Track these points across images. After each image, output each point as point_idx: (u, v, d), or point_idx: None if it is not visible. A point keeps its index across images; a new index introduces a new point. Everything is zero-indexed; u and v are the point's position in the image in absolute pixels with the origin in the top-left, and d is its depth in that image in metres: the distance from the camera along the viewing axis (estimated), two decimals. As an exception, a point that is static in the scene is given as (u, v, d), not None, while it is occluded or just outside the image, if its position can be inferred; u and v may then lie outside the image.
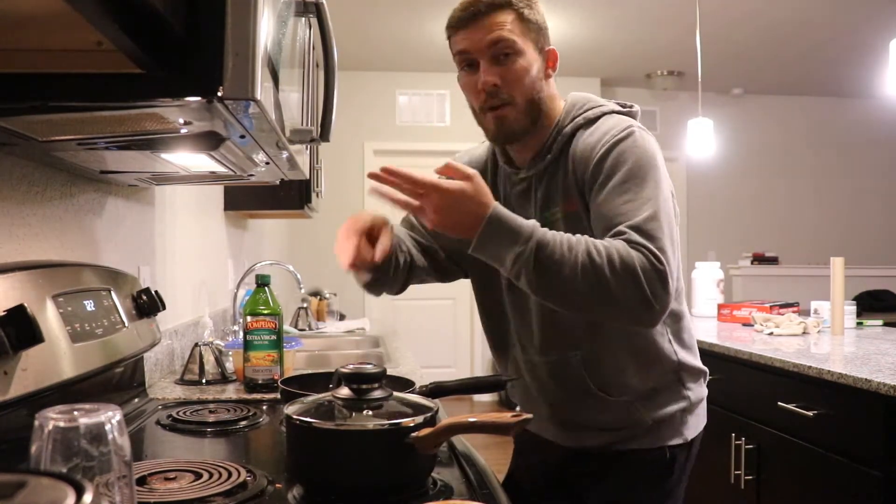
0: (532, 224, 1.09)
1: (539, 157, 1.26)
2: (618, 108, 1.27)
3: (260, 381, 1.67)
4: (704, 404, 1.36)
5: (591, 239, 1.08)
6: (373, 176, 1.08)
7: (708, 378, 1.38)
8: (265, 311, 1.67)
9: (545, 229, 1.09)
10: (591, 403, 1.27)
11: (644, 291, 1.04)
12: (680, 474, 1.31)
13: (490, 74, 1.19)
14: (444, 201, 1.06)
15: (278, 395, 1.59)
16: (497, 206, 1.09)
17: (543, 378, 1.31)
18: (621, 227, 1.09)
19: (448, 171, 1.08)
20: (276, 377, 1.66)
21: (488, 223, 1.07)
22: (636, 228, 1.08)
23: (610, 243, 1.07)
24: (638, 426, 1.27)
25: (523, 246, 1.06)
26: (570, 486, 1.34)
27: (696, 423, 1.32)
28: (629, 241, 1.07)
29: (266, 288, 1.70)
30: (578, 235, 1.09)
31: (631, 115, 1.27)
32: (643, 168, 1.14)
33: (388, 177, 1.07)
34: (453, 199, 1.06)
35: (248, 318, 1.67)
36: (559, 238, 1.08)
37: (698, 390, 1.33)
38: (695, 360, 1.33)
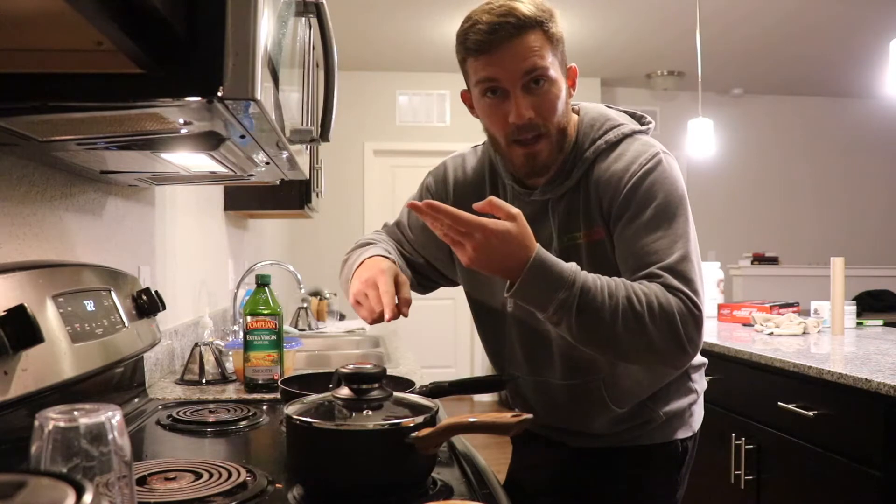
0: (573, 268, 1.04)
1: (556, 180, 1.19)
2: (636, 126, 1.22)
3: (260, 381, 1.67)
4: (703, 399, 1.41)
5: (630, 284, 1.06)
6: (413, 207, 1.02)
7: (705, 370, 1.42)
8: (265, 312, 1.67)
9: (585, 273, 1.05)
10: (605, 414, 1.26)
11: (681, 338, 1.04)
12: (689, 463, 1.35)
13: (526, 108, 1.10)
14: (486, 241, 0.99)
15: (278, 395, 1.59)
16: (540, 250, 1.03)
17: (559, 399, 1.28)
18: (655, 270, 1.08)
19: (492, 208, 1.02)
20: (276, 377, 1.66)
21: (531, 267, 1.01)
22: (671, 270, 1.07)
23: (648, 289, 1.06)
24: (650, 423, 1.28)
25: (567, 292, 1.02)
26: (576, 484, 1.33)
27: (700, 414, 1.37)
28: (666, 286, 1.06)
29: (266, 288, 1.70)
30: (616, 280, 1.07)
31: (648, 132, 1.24)
32: (673, 203, 1.12)
33: (430, 212, 1.00)
34: (497, 241, 1.00)
35: (249, 318, 1.67)
36: (600, 283, 1.05)
37: (702, 382, 1.37)
38: (701, 358, 1.36)
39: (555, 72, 1.12)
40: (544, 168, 1.17)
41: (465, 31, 1.11)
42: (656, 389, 1.27)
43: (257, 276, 1.72)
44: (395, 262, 1.23)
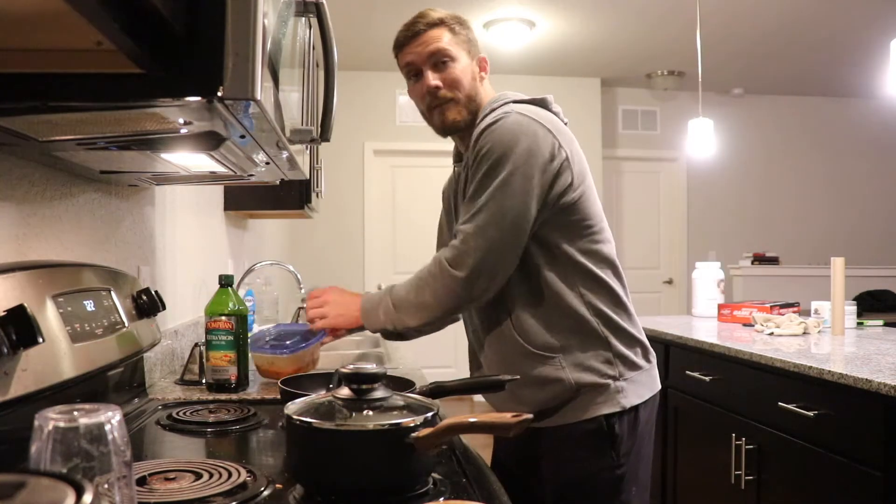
0: (384, 290, 1.44)
1: (467, 150, 1.45)
2: (519, 97, 1.45)
3: (214, 381, 1.66)
4: (649, 375, 1.46)
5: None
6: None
7: (650, 352, 1.48)
8: (224, 312, 1.66)
9: (394, 286, 1.43)
10: (525, 361, 1.40)
11: (445, 274, 1.34)
12: (629, 442, 1.39)
13: (433, 79, 1.43)
14: (334, 304, 1.50)
15: (233, 396, 1.63)
16: (368, 293, 1.49)
17: (485, 342, 1.49)
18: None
19: (311, 297, 1.55)
20: (233, 378, 1.66)
21: (363, 303, 1.46)
22: (458, 226, 1.36)
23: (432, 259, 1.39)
24: (565, 389, 1.37)
25: (385, 304, 1.42)
26: (533, 466, 1.44)
27: (636, 392, 1.41)
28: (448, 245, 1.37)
29: (229, 288, 1.69)
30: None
31: (535, 103, 1.43)
32: (492, 156, 1.33)
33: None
34: (333, 296, 1.52)
35: (207, 318, 1.66)
36: (402, 285, 1.41)
37: (633, 361, 1.42)
38: (629, 332, 1.43)
39: (458, 55, 1.44)
40: (455, 125, 1.46)
41: (396, 35, 1.47)
42: (569, 346, 1.38)
43: (220, 276, 1.70)
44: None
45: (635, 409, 1.40)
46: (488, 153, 1.34)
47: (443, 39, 1.42)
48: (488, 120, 1.37)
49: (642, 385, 1.43)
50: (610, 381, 1.38)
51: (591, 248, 1.41)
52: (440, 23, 1.43)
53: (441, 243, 1.64)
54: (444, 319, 1.45)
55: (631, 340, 1.43)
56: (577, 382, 1.37)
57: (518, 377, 1.34)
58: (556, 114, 1.45)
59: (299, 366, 1.74)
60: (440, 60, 1.43)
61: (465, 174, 1.44)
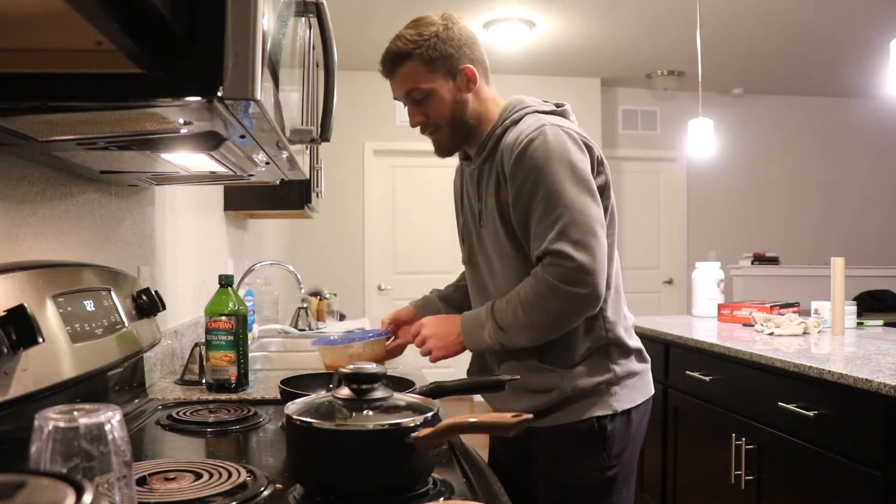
0: (486, 307, 1.41)
1: (481, 153, 1.47)
2: (540, 107, 1.45)
3: (214, 381, 1.67)
4: (642, 379, 1.47)
5: (522, 285, 1.36)
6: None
7: (644, 355, 1.49)
8: (224, 312, 1.66)
9: (495, 303, 1.39)
10: (528, 373, 1.41)
11: (568, 290, 1.29)
12: (621, 444, 1.41)
13: (414, 116, 1.46)
14: (435, 337, 1.48)
15: (233, 396, 1.63)
16: (464, 314, 1.46)
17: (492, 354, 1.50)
18: (539, 256, 1.33)
19: (410, 334, 1.55)
20: (233, 378, 1.66)
21: (463, 323, 1.44)
22: (547, 253, 1.32)
23: (526, 281, 1.35)
24: (561, 394, 1.38)
25: (489, 321, 1.39)
26: (528, 465, 1.45)
27: (629, 396, 1.43)
28: (540, 264, 1.33)
29: (229, 288, 1.69)
30: (516, 290, 1.36)
31: (557, 113, 1.44)
32: (548, 169, 1.32)
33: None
34: (437, 324, 1.49)
35: (207, 318, 1.66)
36: (504, 302, 1.37)
37: (628, 365, 1.43)
38: (624, 336, 1.44)
39: (434, 85, 1.42)
40: (449, 149, 1.51)
41: None
42: (573, 359, 1.39)
43: (220, 276, 1.71)
44: (433, 298, 1.68)
45: (627, 412, 1.41)
46: (544, 170, 1.32)
47: (413, 76, 1.41)
48: (526, 135, 1.35)
49: (636, 390, 1.45)
50: (604, 387, 1.40)
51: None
52: (407, 56, 1.40)
53: (464, 240, 1.60)
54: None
55: (627, 347, 1.44)
56: (572, 389, 1.38)
57: (518, 377, 1.34)
58: (573, 122, 1.46)
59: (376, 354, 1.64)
60: (416, 98, 1.43)
61: (482, 171, 1.46)
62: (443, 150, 1.51)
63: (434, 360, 1.49)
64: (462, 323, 1.43)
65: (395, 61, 1.41)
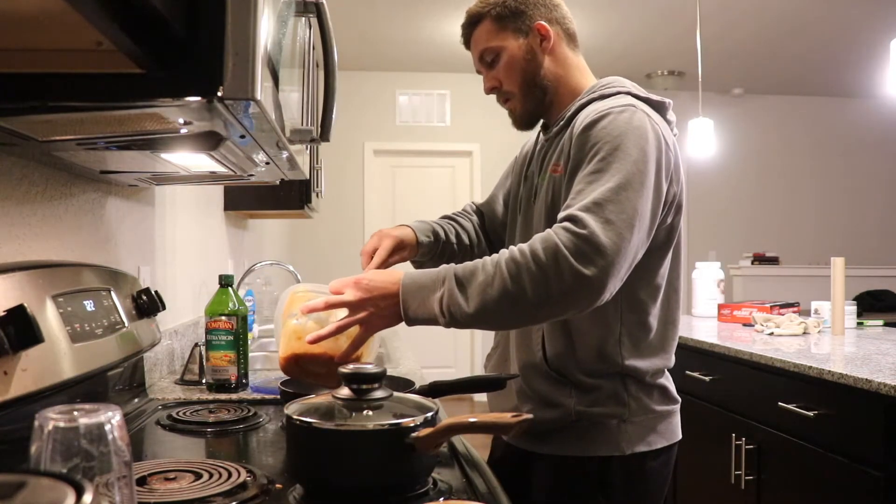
0: (444, 267, 1.10)
1: (554, 123, 1.34)
2: (640, 93, 1.27)
3: (215, 381, 1.67)
4: (666, 421, 1.26)
5: (514, 246, 1.08)
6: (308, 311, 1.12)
7: (671, 394, 1.28)
8: (224, 312, 1.66)
9: (457, 265, 1.10)
10: (540, 375, 1.26)
11: (572, 267, 1.02)
12: (627, 494, 1.22)
13: (488, 80, 1.36)
14: (363, 303, 1.08)
15: (233, 396, 1.62)
16: (406, 273, 1.11)
17: (511, 344, 1.34)
18: (563, 213, 1.09)
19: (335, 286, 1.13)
20: (233, 378, 1.67)
21: (403, 287, 1.08)
22: (577, 212, 1.07)
23: (536, 237, 1.07)
24: (567, 415, 1.21)
25: (441, 286, 1.07)
26: (526, 490, 1.30)
27: (642, 437, 1.22)
28: (558, 223, 1.08)
29: (229, 288, 1.69)
30: (504, 249, 1.09)
31: (654, 105, 1.25)
32: (625, 147, 1.12)
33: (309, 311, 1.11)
34: (366, 294, 1.09)
35: (207, 318, 1.66)
36: (479, 262, 1.08)
37: (647, 405, 1.23)
38: (653, 374, 1.24)
39: (505, 43, 1.32)
40: (525, 117, 1.37)
41: None
42: (587, 377, 1.22)
43: (220, 276, 1.71)
44: (416, 231, 1.39)
45: (641, 457, 1.21)
46: (617, 140, 1.12)
47: (484, 36, 1.33)
48: (609, 105, 1.19)
49: (654, 432, 1.23)
50: (613, 421, 1.21)
51: (658, 282, 1.24)
52: (480, 18, 1.33)
53: (488, 210, 1.52)
54: (536, 322, 1.21)
55: (645, 381, 1.24)
56: (577, 415, 1.21)
57: (518, 375, 1.33)
58: (669, 123, 1.28)
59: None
60: (488, 60, 1.34)
61: (549, 146, 1.33)
62: (518, 121, 1.37)
63: (340, 331, 1.09)
64: (403, 282, 1.09)
65: (470, 25, 1.35)
